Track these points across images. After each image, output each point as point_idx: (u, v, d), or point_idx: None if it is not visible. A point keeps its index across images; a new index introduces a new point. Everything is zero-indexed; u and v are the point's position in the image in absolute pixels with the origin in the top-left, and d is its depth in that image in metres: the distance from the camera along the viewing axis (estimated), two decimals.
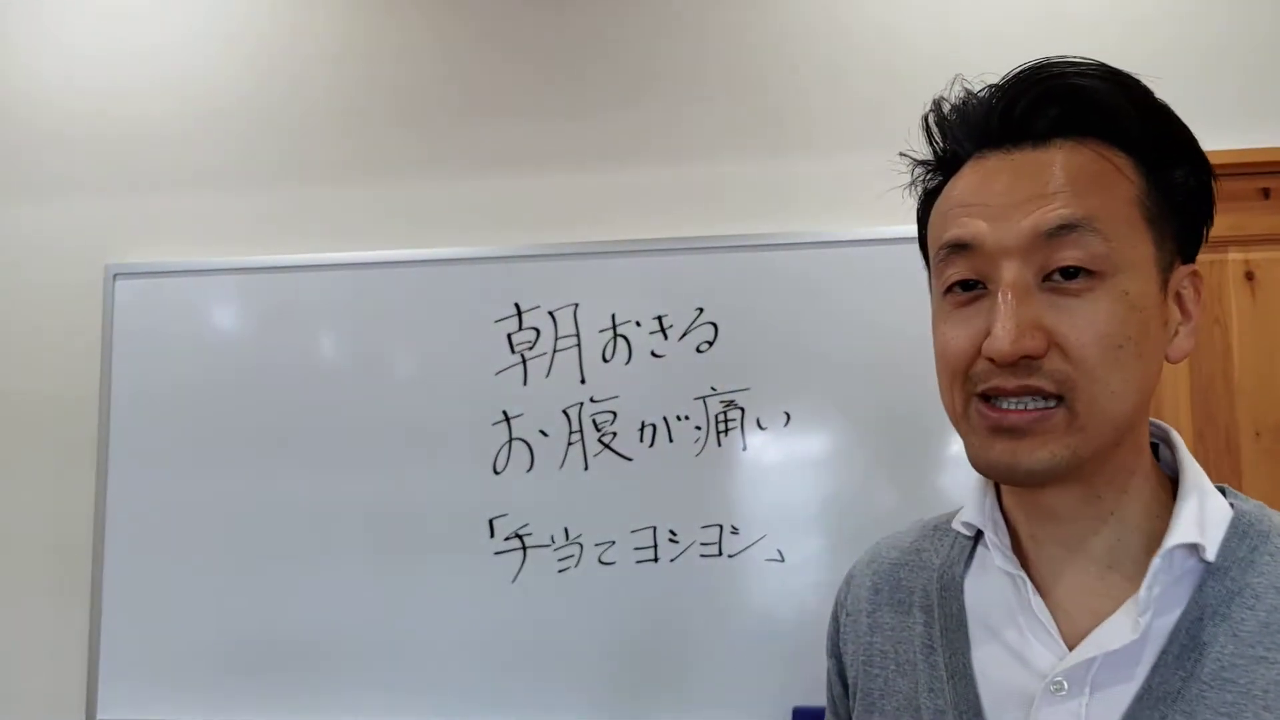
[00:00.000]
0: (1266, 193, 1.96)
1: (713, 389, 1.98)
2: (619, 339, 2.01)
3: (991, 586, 0.74)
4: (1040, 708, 0.67)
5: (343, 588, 2.02)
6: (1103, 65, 0.68)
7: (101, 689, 2.06)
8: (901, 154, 0.77)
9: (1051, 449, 0.65)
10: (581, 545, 1.98)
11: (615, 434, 1.99)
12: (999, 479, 0.71)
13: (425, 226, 2.15)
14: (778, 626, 1.91)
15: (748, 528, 1.95)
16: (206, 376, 2.10)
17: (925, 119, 0.74)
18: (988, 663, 0.72)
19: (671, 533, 1.96)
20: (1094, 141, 0.67)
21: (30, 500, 2.18)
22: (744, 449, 1.97)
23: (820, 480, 1.94)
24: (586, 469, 1.99)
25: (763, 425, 1.96)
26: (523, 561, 1.99)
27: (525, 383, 2.02)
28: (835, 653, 0.88)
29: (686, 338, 2.00)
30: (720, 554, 1.95)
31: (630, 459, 1.99)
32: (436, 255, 2.09)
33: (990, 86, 0.70)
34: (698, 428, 1.98)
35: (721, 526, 1.95)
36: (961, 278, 0.68)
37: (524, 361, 2.03)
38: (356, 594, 2.02)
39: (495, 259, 2.07)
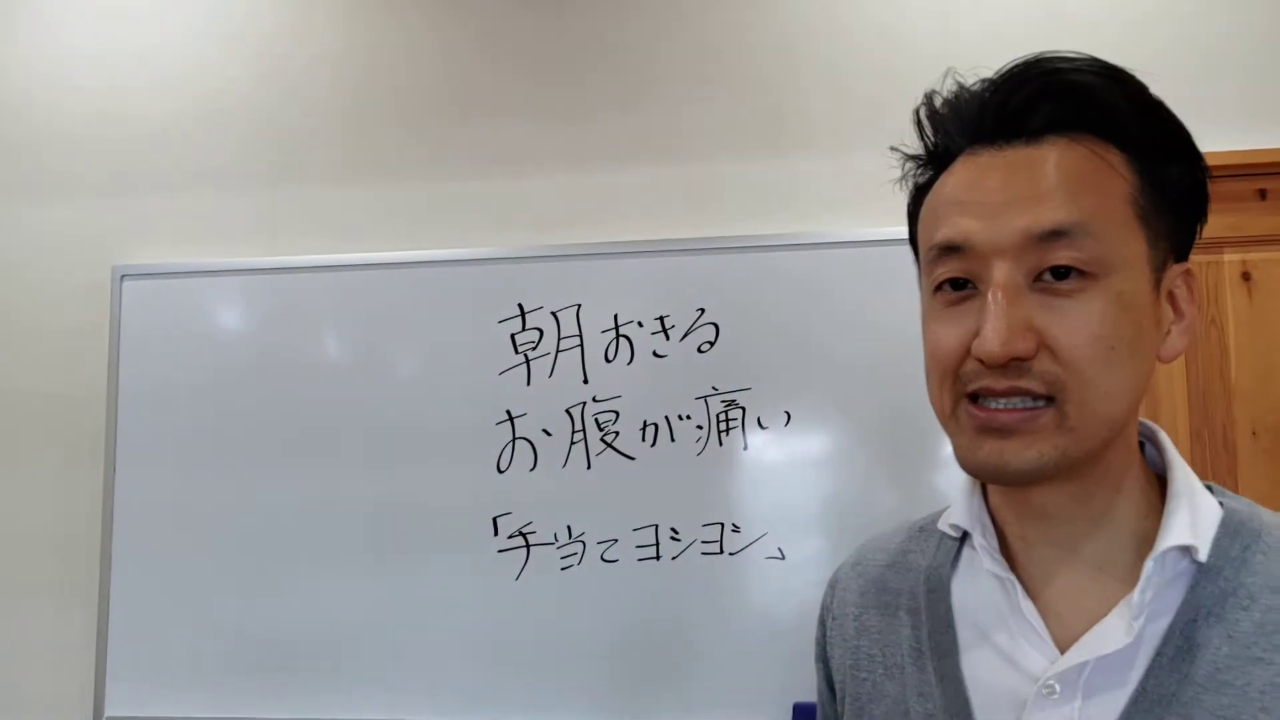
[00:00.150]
0: (1263, 194, 1.98)
1: (714, 389, 2.00)
2: (621, 339, 2.03)
3: (980, 588, 0.73)
4: (1033, 712, 0.66)
5: (347, 586, 2.04)
6: (1096, 60, 0.67)
7: (108, 687, 2.07)
8: (893, 148, 0.76)
9: (1040, 449, 0.64)
10: (584, 543, 1.99)
11: (617, 433, 2.01)
12: (987, 479, 0.70)
13: (429, 227, 2.16)
14: (778, 624, 1.93)
15: (749, 526, 1.96)
16: (213, 377, 2.11)
17: (917, 112, 0.72)
18: (978, 666, 0.71)
19: (673, 531, 1.98)
20: (1088, 138, 0.66)
21: (38, 499, 2.19)
22: (745, 448, 1.98)
23: (821, 479, 1.96)
24: (589, 468, 2.01)
25: (764, 425, 1.98)
26: (526, 559, 2.00)
27: (528, 382, 2.04)
28: (823, 657, 0.87)
29: (688, 338, 2.01)
30: (721, 552, 1.96)
31: (632, 458, 2.00)
32: (440, 256, 2.10)
33: (983, 81, 0.69)
34: (699, 427, 1.99)
35: (723, 525, 1.97)
36: (952, 277, 0.67)
37: (527, 361, 2.04)
38: (361, 592, 2.03)
39: (499, 260, 2.08)
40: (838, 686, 0.82)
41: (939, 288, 0.68)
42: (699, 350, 2.01)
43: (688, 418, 2.00)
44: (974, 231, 0.65)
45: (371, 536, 2.04)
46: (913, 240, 0.75)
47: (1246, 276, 1.97)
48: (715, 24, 2.15)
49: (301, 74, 2.24)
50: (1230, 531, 0.67)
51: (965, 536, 0.77)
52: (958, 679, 0.71)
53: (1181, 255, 0.69)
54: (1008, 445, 0.64)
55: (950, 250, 0.67)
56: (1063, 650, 0.67)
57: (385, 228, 2.17)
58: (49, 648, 2.15)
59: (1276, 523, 0.68)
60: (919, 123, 0.72)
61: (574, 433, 2.02)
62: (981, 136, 0.68)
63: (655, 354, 2.02)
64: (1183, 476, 0.69)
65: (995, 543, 0.73)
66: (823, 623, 0.87)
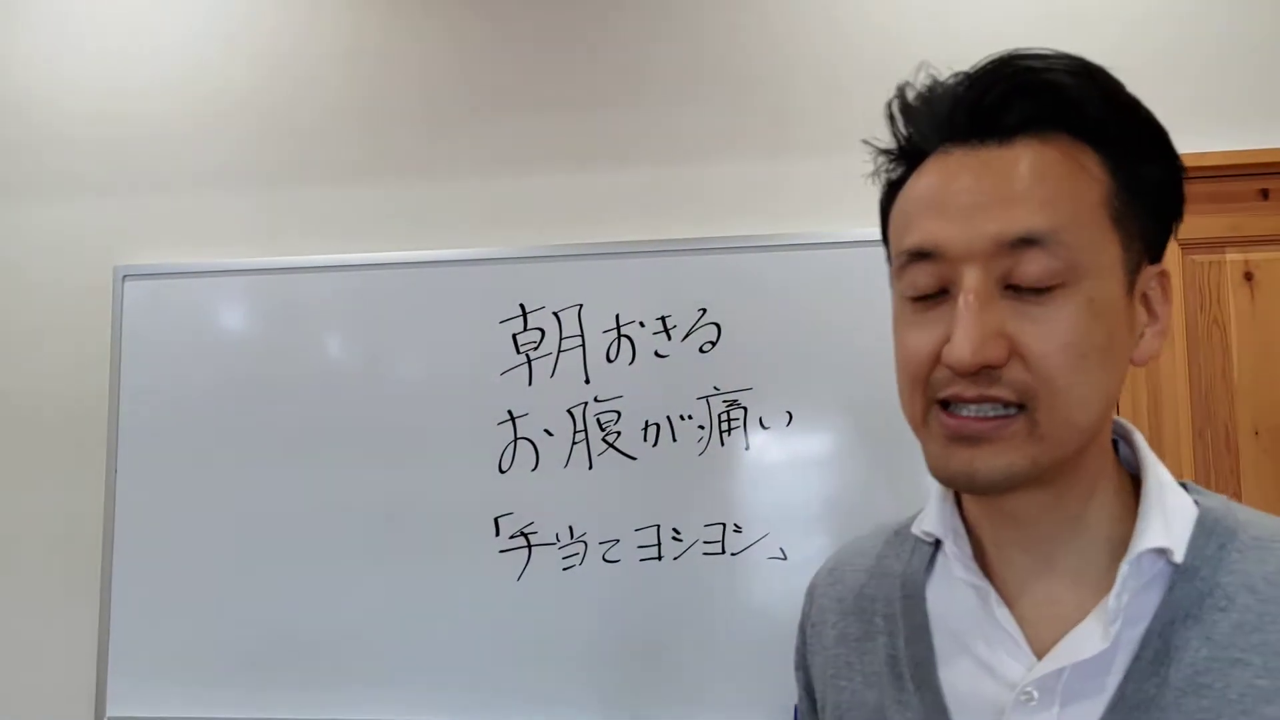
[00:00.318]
0: (1265, 193, 1.97)
1: (716, 389, 2.00)
2: (623, 339, 2.03)
3: (955, 595, 0.72)
4: (1011, 718, 0.65)
5: (348, 585, 2.04)
6: (1072, 58, 0.65)
7: (110, 686, 2.07)
8: (864, 141, 0.74)
9: (1010, 458, 0.63)
10: (586, 543, 1.99)
11: (619, 433, 2.01)
12: (958, 488, 0.69)
13: (431, 228, 2.16)
14: (780, 624, 1.92)
15: (750, 526, 1.96)
16: (215, 377, 2.11)
17: (889, 106, 0.70)
18: (955, 674, 0.70)
19: (675, 531, 1.98)
20: (1062, 138, 0.64)
21: (40, 499, 2.19)
22: (747, 448, 1.98)
23: (822, 479, 1.96)
24: (591, 468, 2.01)
25: (765, 425, 1.98)
26: (528, 559, 2.01)
27: (530, 383, 2.04)
28: (802, 665, 0.86)
29: (690, 338, 2.01)
30: (723, 552, 1.96)
31: (634, 458, 2.00)
32: (442, 256, 2.10)
33: (957, 76, 0.67)
34: (701, 427, 1.99)
35: (724, 525, 1.97)
36: (922, 282, 0.66)
37: (529, 362, 2.04)
38: (362, 592, 2.03)
39: (500, 260, 2.08)
40: (818, 695, 0.82)
41: (909, 292, 0.67)
42: (701, 350, 2.01)
43: (689, 418, 2.00)
44: (945, 237, 0.64)
45: (373, 537, 2.04)
46: (885, 237, 0.74)
47: (1249, 276, 1.96)
48: (717, 25, 2.15)
49: (303, 74, 2.24)
50: (1206, 531, 0.66)
51: (940, 541, 0.76)
52: (936, 687, 0.70)
53: (1156, 256, 0.68)
54: (978, 454, 0.63)
55: (921, 255, 0.65)
56: (1040, 656, 0.66)
57: (386, 228, 2.17)
58: (51, 647, 2.15)
59: (1252, 519, 0.68)
60: (891, 117, 0.70)
61: (576, 433, 2.02)
62: (954, 135, 0.66)
63: (657, 354, 2.02)
64: (1156, 477, 0.68)
65: (968, 549, 0.72)
66: (802, 630, 0.87)
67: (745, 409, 1.99)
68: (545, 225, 2.13)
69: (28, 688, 2.15)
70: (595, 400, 2.02)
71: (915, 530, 0.77)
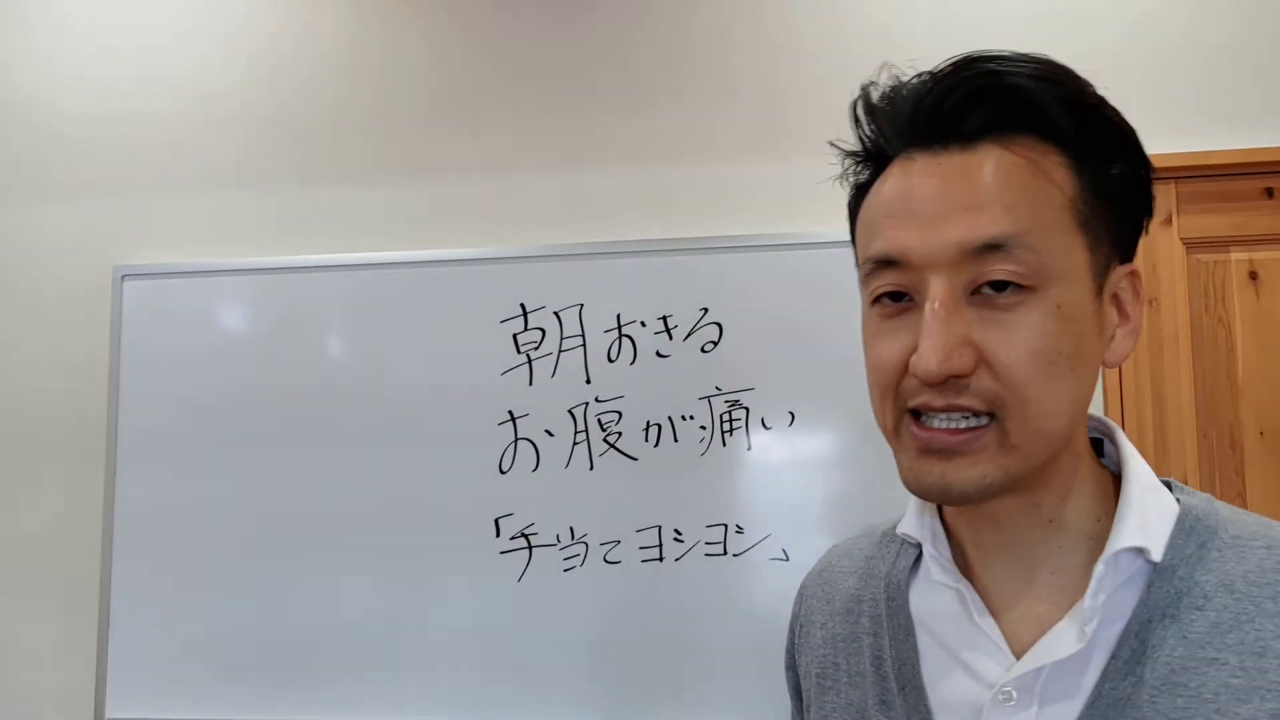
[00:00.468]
0: (1270, 192, 1.96)
1: (717, 389, 1.99)
2: (624, 339, 2.02)
3: (937, 596, 0.72)
4: (990, 718, 0.65)
5: (348, 587, 2.03)
6: (1034, 59, 0.64)
7: (109, 688, 2.07)
8: (831, 143, 0.73)
9: (982, 469, 0.63)
10: (587, 544, 1.99)
11: (620, 434, 2.00)
12: (932, 500, 0.69)
13: (431, 227, 2.16)
14: (782, 626, 1.91)
15: (752, 527, 1.95)
16: (214, 377, 2.11)
17: (853, 107, 0.70)
18: (937, 674, 0.70)
19: (676, 532, 1.97)
20: (1026, 140, 0.64)
21: (39, 499, 2.19)
22: (749, 449, 1.97)
23: (824, 479, 1.95)
24: (592, 469, 2.00)
25: (767, 425, 1.97)
26: (528, 561, 2.00)
27: (531, 383, 2.03)
28: (791, 665, 0.87)
29: (691, 338, 2.00)
30: (725, 553, 1.95)
31: (635, 459, 1.99)
32: (442, 256, 2.09)
33: (919, 77, 0.66)
34: (703, 427, 1.98)
35: (726, 526, 1.96)
36: (888, 290, 0.66)
37: (529, 362, 2.04)
38: (362, 593, 2.03)
39: (501, 259, 2.08)
40: (805, 695, 0.82)
41: (876, 300, 0.67)
42: (702, 350, 2.00)
43: (691, 418, 1.99)
44: (909, 245, 0.64)
45: (373, 538, 2.04)
46: (854, 240, 0.73)
47: (1254, 275, 1.95)
48: (718, 25, 2.14)
49: (304, 75, 2.23)
50: (1185, 530, 0.66)
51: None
52: (919, 688, 0.70)
53: (1127, 256, 0.68)
54: (950, 466, 0.63)
55: (886, 263, 0.65)
56: (1019, 657, 0.66)
57: (386, 228, 2.17)
58: (50, 648, 2.15)
59: (1233, 518, 0.67)
60: (856, 118, 0.70)
61: (576, 433, 2.01)
62: (917, 139, 0.66)
63: (658, 354, 2.01)
64: (1136, 476, 0.68)
65: (947, 552, 0.72)
66: (791, 631, 0.87)
67: (747, 409, 1.98)
68: (546, 225, 2.12)
69: (27, 688, 2.15)
70: (596, 400, 2.01)
71: (899, 532, 0.77)
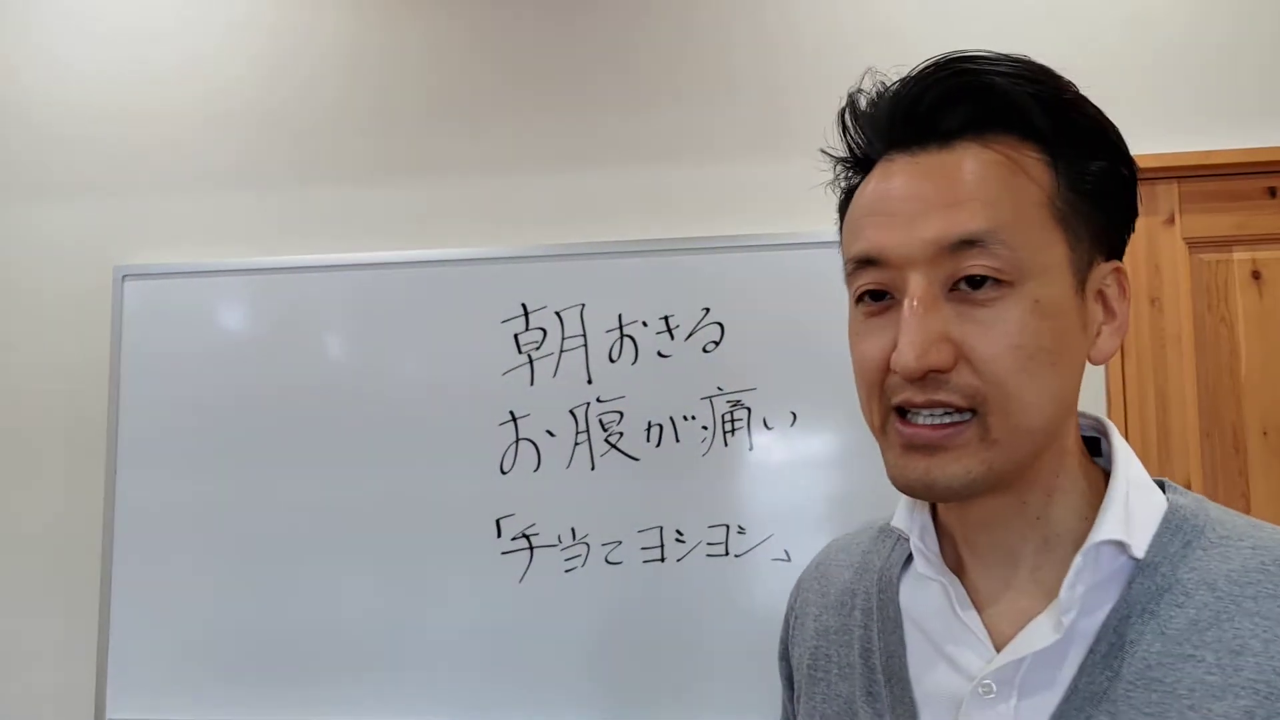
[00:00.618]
0: (1273, 191, 1.96)
1: (719, 389, 1.98)
2: (625, 339, 2.02)
3: (925, 590, 0.73)
4: (969, 711, 0.66)
5: (350, 588, 2.03)
6: (1010, 58, 0.65)
7: (110, 688, 2.07)
8: (822, 150, 0.75)
9: (965, 464, 0.63)
10: (588, 545, 1.98)
11: (622, 434, 2.00)
12: (918, 496, 0.69)
13: (432, 227, 2.15)
14: None
15: (754, 527, 1.95)
16: (215, 377, 2.11)
17: (841, 115, 0.71)
18: (922, 666, 0.71)
19: (678, 532, 1.97)
20: (1003, 138, 0.65)
21: (39, 500, 2.19)
22: (750, 449, 1.97)
23: (826, 480, 1.95)
24: (593, 469, 2.00)
25: (769, 425, 1.97)
26: (530, 561, 2.00)
27: (532, 383, 2.03)
28: (785, 656, 0.89)
29: (693, 338, 2.00)
30: (727, 554, 1.95)
31: (637, 459, 1.99)
32: (443, 256, 2.09)
33: (900, 81, 0.68)
34: (704, 428, 1.98)
35: (728, 526, 1.96)
36: (870, 288, 0.67)
37: (531, 362, 2.03)
38: (363, 594, 2.03)
39: (502, 259, 2.07)
40: (796, 685, 0.84)
41: (860, 299, 0.68)
42: (704, 350, 2.00)
43: (693, 418, 1.99)
44: (887, 243, 0.65)
45: (374, 538, 2.03)
46: (841, 243, 0.75)
47: (1256, 275, 1.95)
48: (718, 25, 2.14)
49: (305, 74, 2.23)
50: (1172, 528, 0.66)
51: None
52: (904, 681, 0.71)
53: (1114, 253, 0.68)
54: (934, 462, 0.64)
55: (867, 262, 0.66)
56: (1000, 651, 0.67)
57: (387, 228, 2.17)
58: (51, 649, 2.15)
59: (1223, 518, 0.67)
60: (843, 126, 0.71)
61: (578, 433, 2.01)
62: (896, 141, 0.68)
63: (660, 354, 2.01)
64: (1124, 473, 0.68)
65: (935, 545, 0.73)
66: (786, 622, 0.89)
67: (749, 409, 1.97)
68: (547, 224, 2.12)
69: (28, 690, 2.15)
70: (598, 400, 2.01)
71: (890, 525, 0.78)
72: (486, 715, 1.98)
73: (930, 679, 0.70)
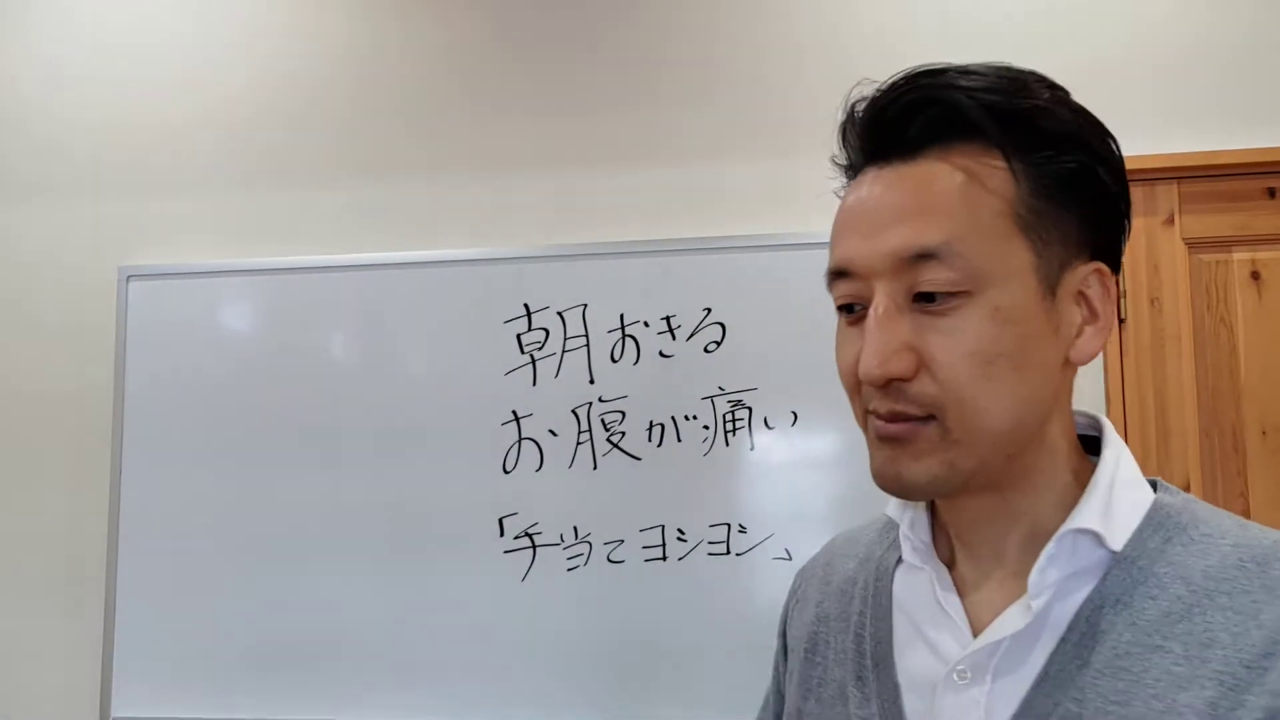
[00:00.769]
0: (1272, 192, 1.97)
1: (721, 389, 1.99)
2: (627, 339, 2.02)
3: (917, 578, 0.75)
4: (944, 695, 0.67)
5: (353, 586, 2.04)
6: (976, 69, 0.66)
7: (115, 687, 2.08)
8: (832, 160, 0.77)
9: (927, 464, 0.65)
10: (590, 544, 1.99)
11: (624, 433, 2.00)
12: (892, 492, 0.71)
13: (435, 228, 2.16)
14: None
15: (756, 527, 1.96)
16: (218, 377, 2.12)
17: (841, 125, 0.73)
18: (907, 652, 0.73)
19: (680, 531, 1.97)
20: (968, 147, 0.66)
21: (44, 499, 2.20)
22: (752, 448, 1.98)
23: (828, 479, 1.95)
24: (595, 468, 2.01)
25: (770, 425, 1.97)
26: (532, 560, 2.00)
27: (534, 383, 2.04)
28: (782, 633, 0.93)
29: (694, 338, 2.01)
30: (728, 553, 1.96)
31: (639, 458, 2.00)
32: (446, 256, 2.10)
33: (872, 94, 0.69)
34: (706, 427, 1.99)
35: (729, 525, 1.96)
36: (844, 299, 0.70)
37: (533, 362, 2.04)
38: (367, 592, 2.03)
39: (504, 260, 2.08)
40: (790, 665, 0.86)
41: (840, 307, 0.71)
42: (705, 350, 2.00)
43: (694, 418, 1.99)
44: (855, 255, 0.67)
45: (377, 537, 2.04)
46: None
47: (1256, 276, 1.96)
48: (722, 25, 2.14)
49: (307, 74, 2.24)
50: (1154, 524, 0.67)
51: None
52: (890, 664, 0.73)
53: (1100, 253, 0.68)
54: (901, 456, 0.66)
55: (839, 274, 0.69)
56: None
57: (390, 228, 2.17)
58: (56, 648, 2.16)
59: (1209, 517, 0.68)
60: (841, 136, 0.73)
61: (580, 433, 2.02)
62: (869, 153, 0.70)
63: (661, 354, 2.01)
64: (1109, 469, 0.69)
65: (925, 535, 0.75)
66: (786, 607, 0.92)
67: (750, 409, 1.98)
68: (549, 225, 2.12)
69: (33, 688, 2.16)
70: (600, 400, 2.02)
71: (885, 512, 0.81)
72: (489, 713, 1.98)
73: (915, 665, 0.72)
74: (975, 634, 0.69)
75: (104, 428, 2.16)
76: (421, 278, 2.09)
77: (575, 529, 2.00)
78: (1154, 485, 0.71)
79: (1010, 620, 0.66)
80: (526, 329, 2.05)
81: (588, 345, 2.03)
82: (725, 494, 1.97)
